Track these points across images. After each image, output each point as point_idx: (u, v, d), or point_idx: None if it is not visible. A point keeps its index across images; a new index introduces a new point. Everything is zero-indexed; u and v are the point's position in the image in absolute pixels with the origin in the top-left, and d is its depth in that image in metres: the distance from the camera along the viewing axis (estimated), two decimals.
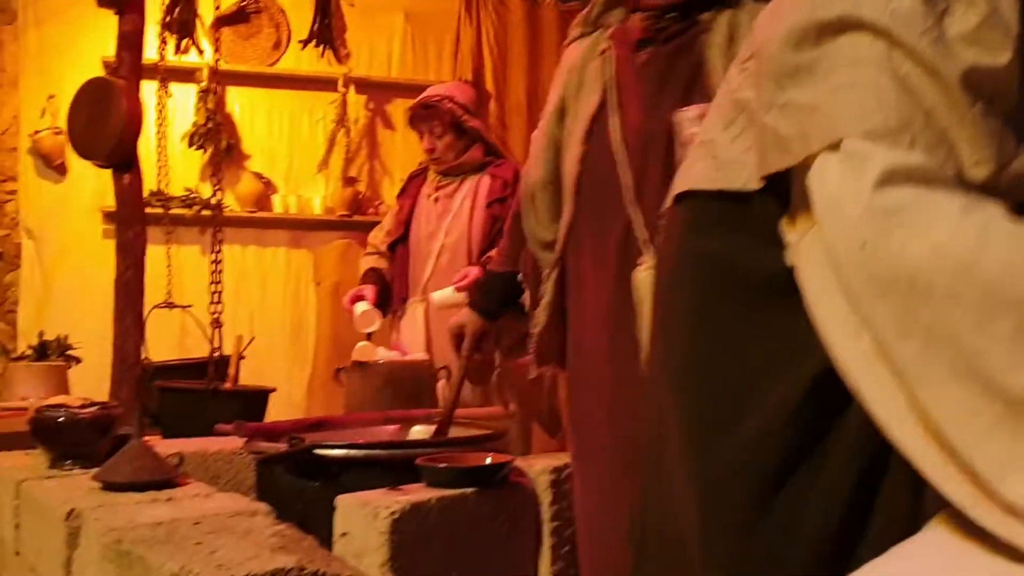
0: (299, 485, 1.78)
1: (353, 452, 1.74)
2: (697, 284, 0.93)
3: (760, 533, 0.81)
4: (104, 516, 1.54)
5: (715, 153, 0.93)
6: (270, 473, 1.90)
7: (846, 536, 0.79)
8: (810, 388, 0.81)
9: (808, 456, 0.81)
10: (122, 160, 2.80)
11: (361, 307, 2.91)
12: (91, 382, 3.40)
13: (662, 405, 0.95)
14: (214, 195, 2.66)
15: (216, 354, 3.33)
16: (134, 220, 2.83)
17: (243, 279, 4.42)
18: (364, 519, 1.47)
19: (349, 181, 4.49)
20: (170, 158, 3.61)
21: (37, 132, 4.06)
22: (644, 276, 1.39)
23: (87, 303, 4.10)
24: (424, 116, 2.97)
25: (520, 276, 1.81)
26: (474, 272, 2.77)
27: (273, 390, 2.75)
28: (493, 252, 2.84)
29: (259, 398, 2.65)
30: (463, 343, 1.99)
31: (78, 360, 3.42)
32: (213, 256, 2.67)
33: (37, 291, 4.14)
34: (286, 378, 4.15)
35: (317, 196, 4.48)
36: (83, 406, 2.07)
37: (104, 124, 2.74)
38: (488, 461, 1.67)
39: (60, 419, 1.99)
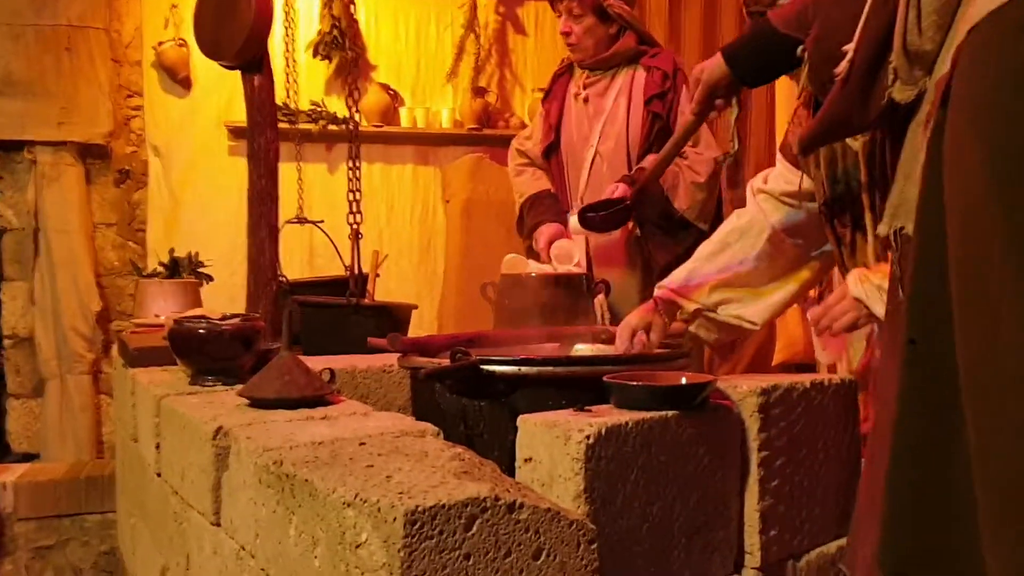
0: (462, 404, 1.59)
1: (525, 368, 1.53)
2: None
3: None
4: (256, 435, 1.37)
5: None
6: (429, 390, 1.70)
7: None
8: None
9: None
10: (251, 60, 2.61)
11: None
12: (222, 300, 3.30)
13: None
14: (349, 95, 2.45)
15: (350, 268, 3.19)
16: (265, 126, 2.66)
17: (370, 197, 4.25)
18: (553, 443, 1.26)
19: (479, 92, 4.25)
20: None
21: (161, 44, 3.95)
22: None
23: (214, 220, 4.03)
24: None
25: (803, 50, 1.43)
26: (623, 191, 2.50)
27: (415, 307, 2.56)
28: (649, 158, 2.55)
29: (402, 314, 2.47)
30: (696, 93, 1.67)
31: (210, 278, 3.32)
32: (351, 164, 2.47)
33: (165, 209, 4.07)
34: (415, 297, 4.01)
35: (445, 108, 4.26)
36: (224, 318, 1.92)
37: (233, 20, 2.55)
38: (683, 381, 1.43)
39: (201, 331, 1.84)
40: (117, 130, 3.97)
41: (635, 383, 1.36)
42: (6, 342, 3.84)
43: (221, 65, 2.72)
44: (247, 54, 2.57)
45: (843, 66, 1.20)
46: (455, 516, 1.01)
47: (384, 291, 3.22)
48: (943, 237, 0.90)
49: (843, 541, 1.57)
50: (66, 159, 3.80)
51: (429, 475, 1.11)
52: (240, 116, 3.96)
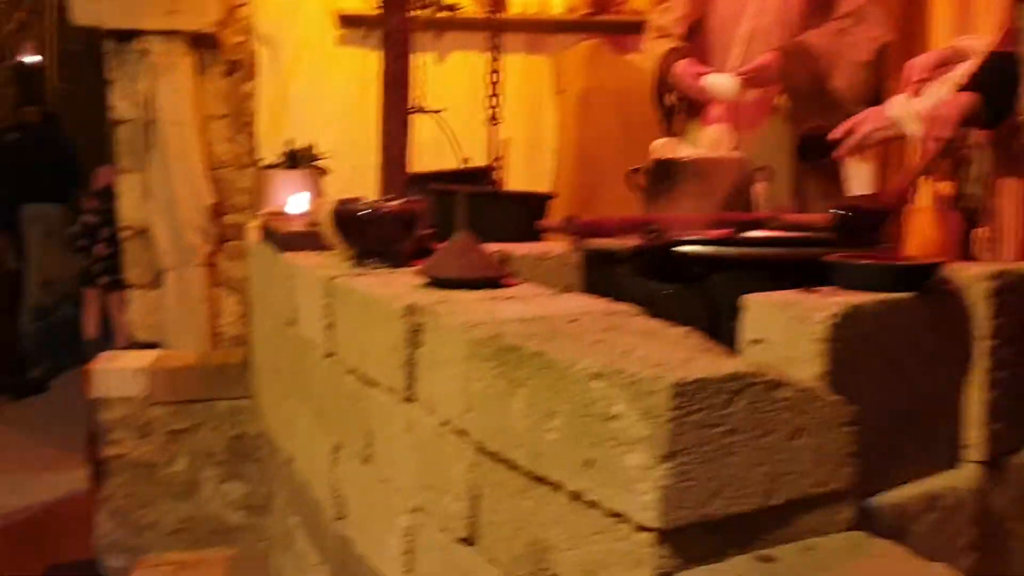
0: (650, 288, 1.51)
1: (725, 250, 1.45)
2: None
3: None
4: (455, 311, 1.32)
5: None
6: (607, 274, 1.63)
7: None
8: None
9: None
10: None
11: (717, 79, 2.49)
12: (334, 191, 3.26)
13: None
14: None
15: (466, 159, 3.11)
16: (397, 6, 2.56)
17: (477, 89, 4.14)
18: (788, 324, 1.17)
19: None
20: None
21: None
22: None
23: (323, 112, 3.96)
24: None
25: None
26: (768, 58, 2.35)
27: (555, 195, 2.47)
28: (813, 33, 2.39)
29: (540, 203, 2.38)
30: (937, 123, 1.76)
31: (325, 171, 3.28)
32: (491, 53, 2.37)
33: (273, 101, 4.01)
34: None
35: None
36: (383, 200, 1.87)
37: None
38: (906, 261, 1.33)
39: (365, 212, 1.78)
40: (225, 19, 3.89)
41: (867, 262, 1.27)
42: (125, 233, 3.86)
43: None
44: None
45: None
46: (717, 391, 0.94)
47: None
48: None
49: None
50: (178, 49, 3.74)
51: (672, 351, 1.04)
52: (348, 4, 3.86)
